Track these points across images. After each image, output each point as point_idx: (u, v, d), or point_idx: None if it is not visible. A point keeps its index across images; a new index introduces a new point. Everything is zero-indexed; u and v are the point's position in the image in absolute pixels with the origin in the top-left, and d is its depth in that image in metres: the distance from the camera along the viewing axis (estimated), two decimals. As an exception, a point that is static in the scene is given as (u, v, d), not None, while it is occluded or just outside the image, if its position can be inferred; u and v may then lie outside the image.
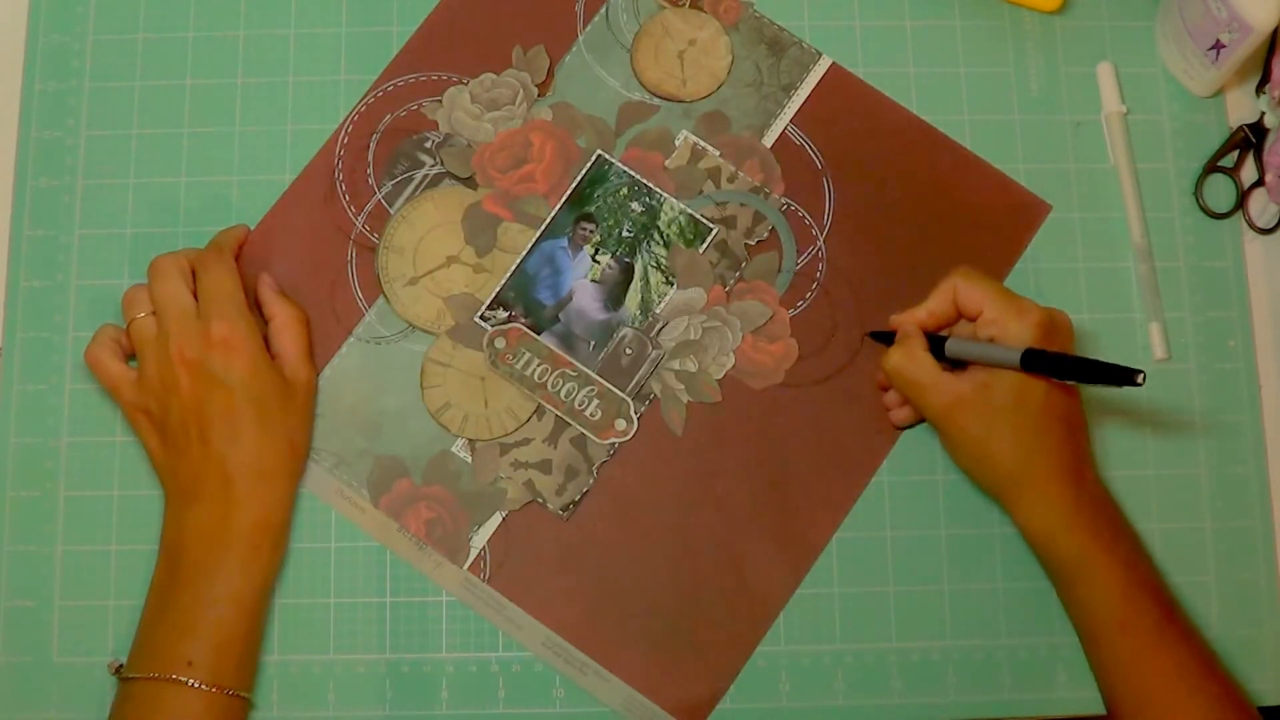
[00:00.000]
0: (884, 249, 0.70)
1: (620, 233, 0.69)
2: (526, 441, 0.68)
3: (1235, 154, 0.72)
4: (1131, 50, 0.74)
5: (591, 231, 0.69)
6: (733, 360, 0.69)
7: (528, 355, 0.68)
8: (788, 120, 0.71)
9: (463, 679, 0.66)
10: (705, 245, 0.70)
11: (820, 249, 0.70)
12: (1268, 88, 0.71)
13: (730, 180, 0.70)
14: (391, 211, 0.70)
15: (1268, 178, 0.71)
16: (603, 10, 0.73)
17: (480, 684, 0.66)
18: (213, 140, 0.72)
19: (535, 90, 0.71)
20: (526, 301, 0.69)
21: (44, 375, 0.69)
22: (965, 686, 0.67)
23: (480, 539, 0.67)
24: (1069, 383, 0.63)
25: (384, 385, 0.68)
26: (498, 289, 0.69)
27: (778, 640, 0.67)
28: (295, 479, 0.66)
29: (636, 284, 0.69)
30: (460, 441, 0.68)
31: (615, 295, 0.69)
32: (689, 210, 0.70)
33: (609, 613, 0.66)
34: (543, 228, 0.70)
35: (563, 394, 0.67)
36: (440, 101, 0.71)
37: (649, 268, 0.69)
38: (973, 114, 0.73)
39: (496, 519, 0.67)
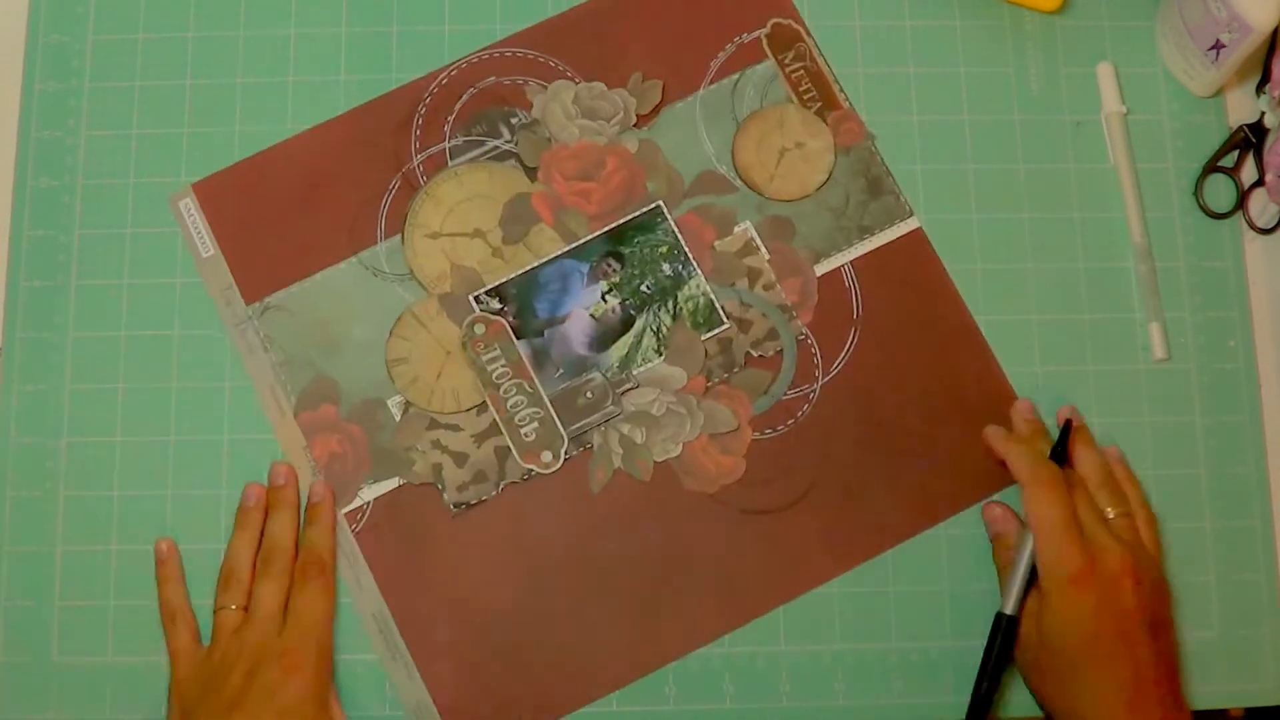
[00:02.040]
0: (872, 421, 0.68)
1: (640, 285, 0.69)
2: (456, 429, 0.68)
3: (1235, 154, 0.72)
4: (1131, 50, 0.74)
5: (615, 271, 0.69)
6: (679, 451, 0.68)
7: (498, 352, 0.68)
8: (849, 259, 0.70)
9: (463, 679, 0.67)
10: (710, 334, 0.69)
11: (814, 391, 0.68)
12: (1268, 88, 0.71)
13: (765, 288, 0.69)
14: (449, 164, 0.70)
15: (1268, 178, 0.71)
16: (734, 76, 0.71)
17: (480, 684, 0.67)
18: (213, 140, 0.72)
19: (634, 118, 0.71)
20: (523, 304, 0.69)
21: (44, 375, 0.69)
22: (965, 686, 0.67)
23: (369, 494, 0.67)
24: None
25: (359, 315, 0.69)
26: (504, 279, 0.69)
27: (778, 640, 0.67)
28: None
29: (629, 338, 0.69)
30: (398, 398, 0.68)
31: (605, 339, 0.69)
32: (712, 296, 0.69)
33: (446, 618, 0.66)
34: (573, 245, 0.69)
35: (510, 403, 0.67)
36: (545, 87, 0.71)
37: (649, 329, 0.69)
38: (973, 114, 0.73)
39: (393, 483, 0.68)
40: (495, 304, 0.69)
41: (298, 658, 0.63)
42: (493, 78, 0.71)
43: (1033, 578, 0.63)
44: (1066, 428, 0.66)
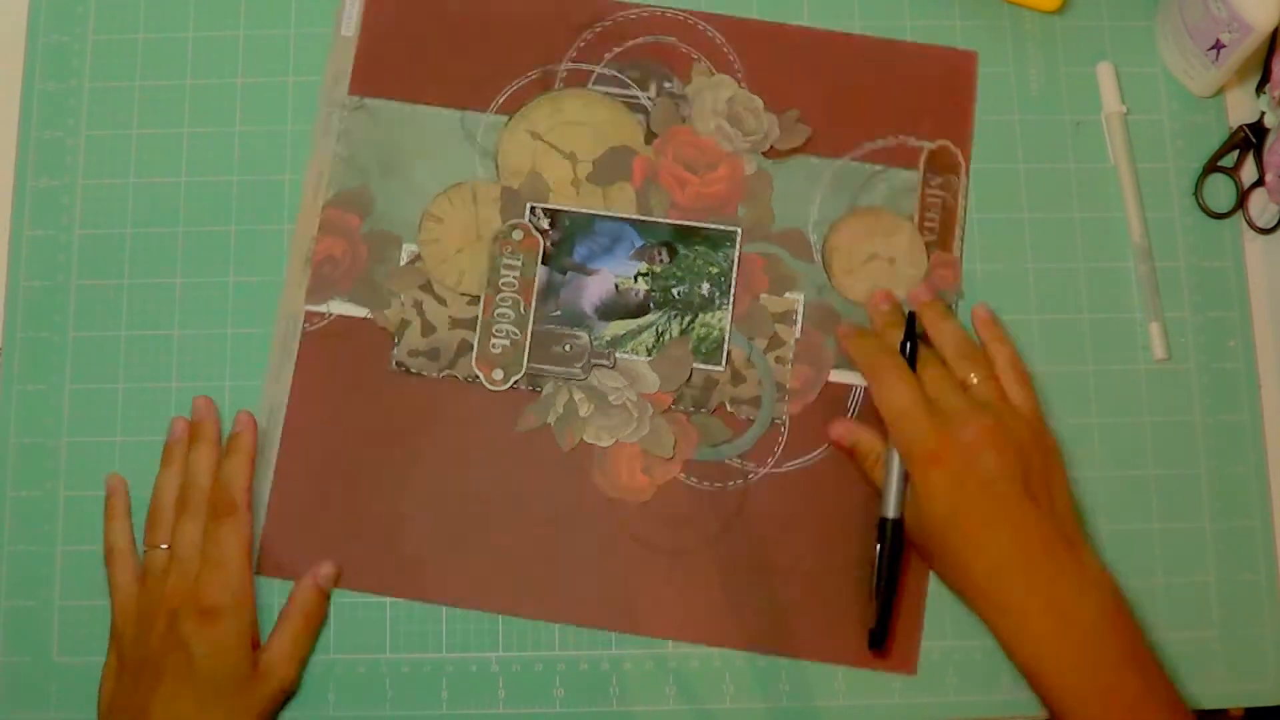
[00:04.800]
0: (783, 531, 0.67)
1: (674, 287, 0.69)
2: (443, 302, 0.69)
3: (1235, 154, 0.72)
4: (1131, 50, 0.74)
5: (660, 262, 0.69)
6: (608, 444, 0.68)
7: (519, 263, 0.69)
8: (865, 385, 0.67)
9: (462, 678, 0.67)
10: (703, 367, 0.68)
11: (755, 473, 0.68)
12: (1268, 88, 0.71)
13: (778, 360, 0.69)
14: (588, 85, 0.71)
15: (1268, 178, 0.71)
16: (877, 167, 0.70)
17: (480, 684, 0.67)
18: (212, 140, 0.72)
19: (769, 147, 0.70)
20: (567, 238, 0.70)
21: (44, 375, 0.69)
22: (965, 686, 0.67)
23: (338, 308, 0.69)
24: None
25: (429, 159, 0.71)
26: (566, 208, 0.70)
27: (777, 640, 0.67)
28: None
29: (633, 324, 0.69)
30: (414, 247, 0.70)
31: (613, 311, 0.69)
32: (727, 336, 0.69)
33: (323, 448, 0.68)
34: (643, 218, 0.70)
35: (498, 311, 0.68)
36: (712, 74, 0.71)
37: (655, 327, 0.69)
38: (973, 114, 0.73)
39: (363, 312, 0.69)
40: (544, 223, 0.70)
41: (213, 603, 0.62)
42: (673, 38, 0.72)
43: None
44: (911, 317, 0.66)
